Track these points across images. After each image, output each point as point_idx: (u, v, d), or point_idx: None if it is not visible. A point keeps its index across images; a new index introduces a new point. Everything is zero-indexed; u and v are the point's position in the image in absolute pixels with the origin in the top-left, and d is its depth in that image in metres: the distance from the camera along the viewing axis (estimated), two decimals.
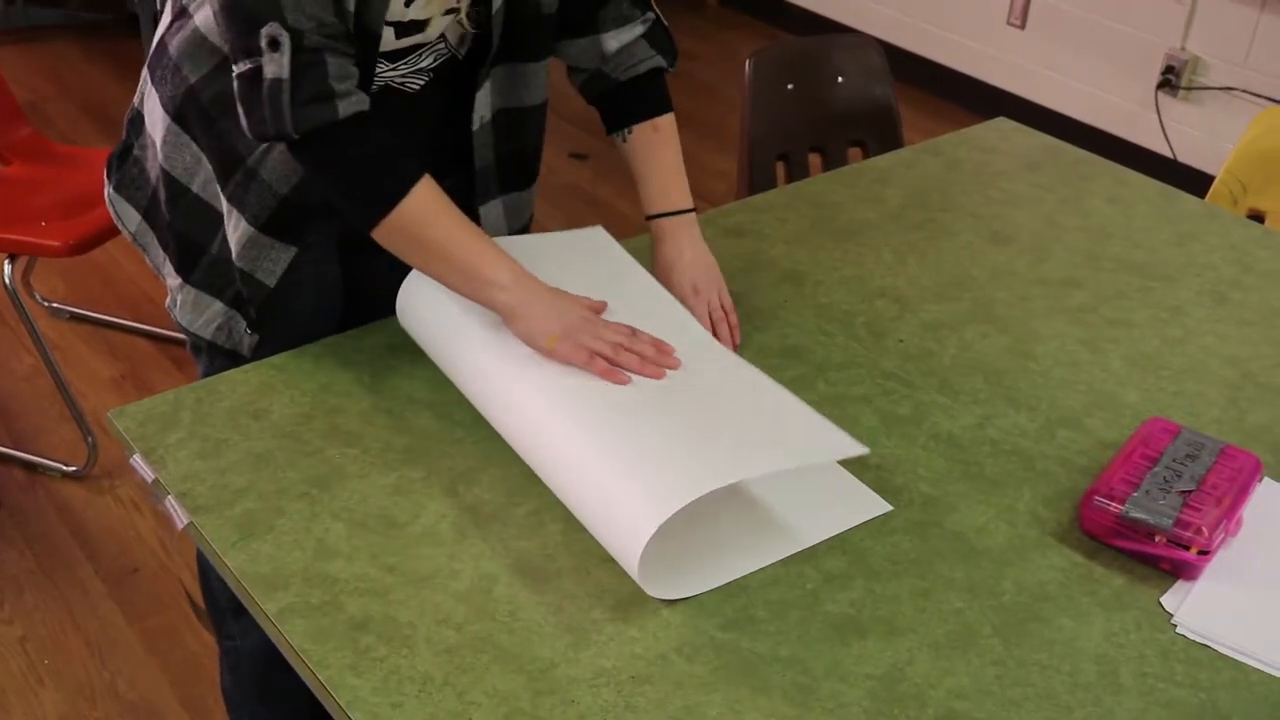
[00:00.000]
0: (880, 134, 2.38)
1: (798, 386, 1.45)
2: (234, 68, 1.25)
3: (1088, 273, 1.70)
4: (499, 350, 1.35)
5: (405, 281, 1.44)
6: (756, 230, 1.78)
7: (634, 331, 1.35)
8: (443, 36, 1.37)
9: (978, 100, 4.17)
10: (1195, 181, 3.52)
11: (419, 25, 1.32)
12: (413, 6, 1.30)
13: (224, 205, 1.40)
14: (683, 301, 1.47)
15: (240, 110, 1.27)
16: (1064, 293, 1.66)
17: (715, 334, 1.48)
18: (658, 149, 1.53)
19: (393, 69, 1.35)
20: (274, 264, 1.43)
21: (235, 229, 1.40)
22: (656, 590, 1.16)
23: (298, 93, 1.24)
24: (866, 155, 2.32)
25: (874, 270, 1.69)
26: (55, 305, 2.93)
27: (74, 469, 2.47)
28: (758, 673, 1.10)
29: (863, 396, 1.44)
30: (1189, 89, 3.63)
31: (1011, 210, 1.85)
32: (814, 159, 2.33)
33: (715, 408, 1.30)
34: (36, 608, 2.18)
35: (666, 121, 1.53)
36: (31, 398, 2.65)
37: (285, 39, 1.21)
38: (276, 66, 1.23)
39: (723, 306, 1.49)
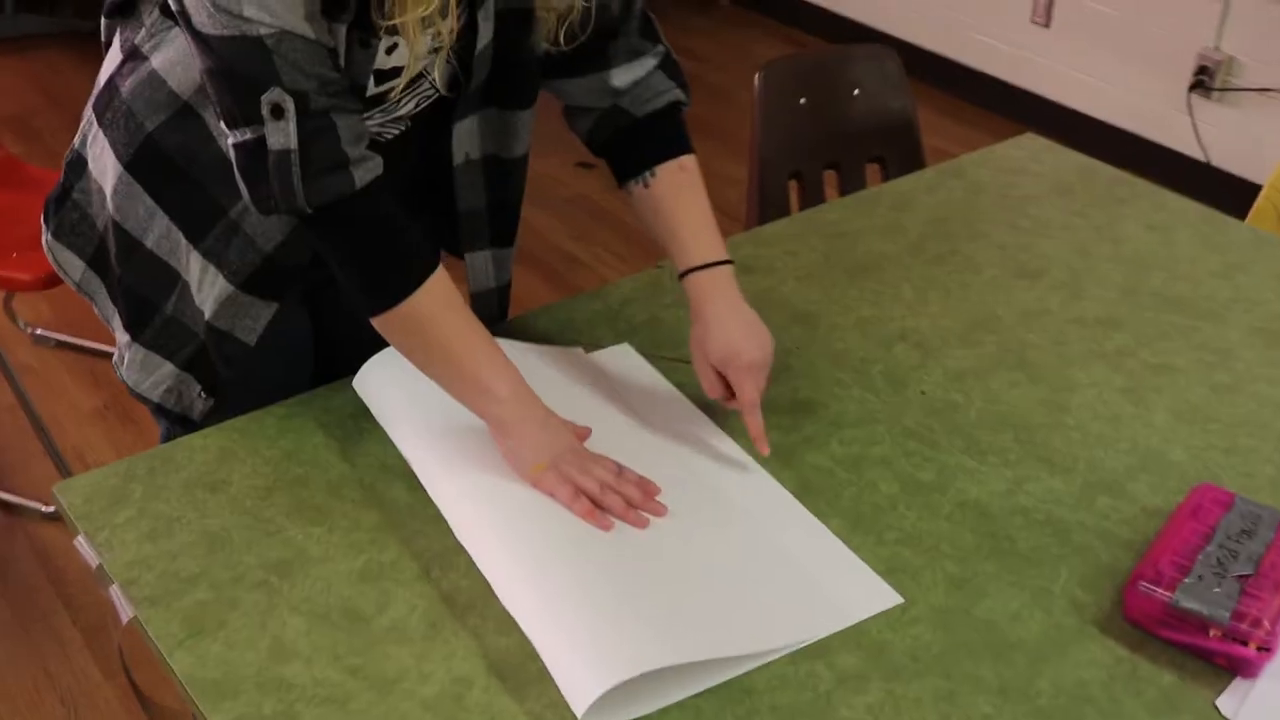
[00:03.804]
0: (899, 149, 2.24)
1: (810, 447, 1.32)
2: (229, 134, 1.12)
3: (1126, 311, 1.57)
4: (471, 462, 1.24)
5: (363, 369, 1.35)
6: (765, 265, 1.65)
7: (620, 470, 1.23)
8: (422, 75, 1.23)
9: (1000, 102, 4.03)
10: (1230, 187, 3.38)
11: (397, 71, 1.19)
12: (394, 54, 1.17)
13: (188, 263, 1.28)
14: (741, 373, 1.29)
15: (241, 182, 1.15)
16: (1101, 334, 1.52)
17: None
18: (686, 193, 1.35)
19: (367, 117, 1.22)
20: (255, 321, 1.31)
21: (212, 286, 1.28)
22: (637, 705, 1.03)
23: (309, 163, 1.11)
24: (885, 172, 2.19)
25: (893, 310, 1.56)
26: (39, 332, 2.82)
27: (53, 509, 2.36)
28: None
29: (881, 459, 1.31)
30: (1223, 90, 3.48)
31: (1041, 240, 1.72)
32: (829, 176, 2.20)
33: (699, 568, 1.16)
34: (9, 661, 2.07)
35: (692, 162, 1.37)
36: (12, 431, 2.53)
37: (289, 105, 1.09)
38: (283, 136, 1.10)
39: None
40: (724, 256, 1.34)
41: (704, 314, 1.32)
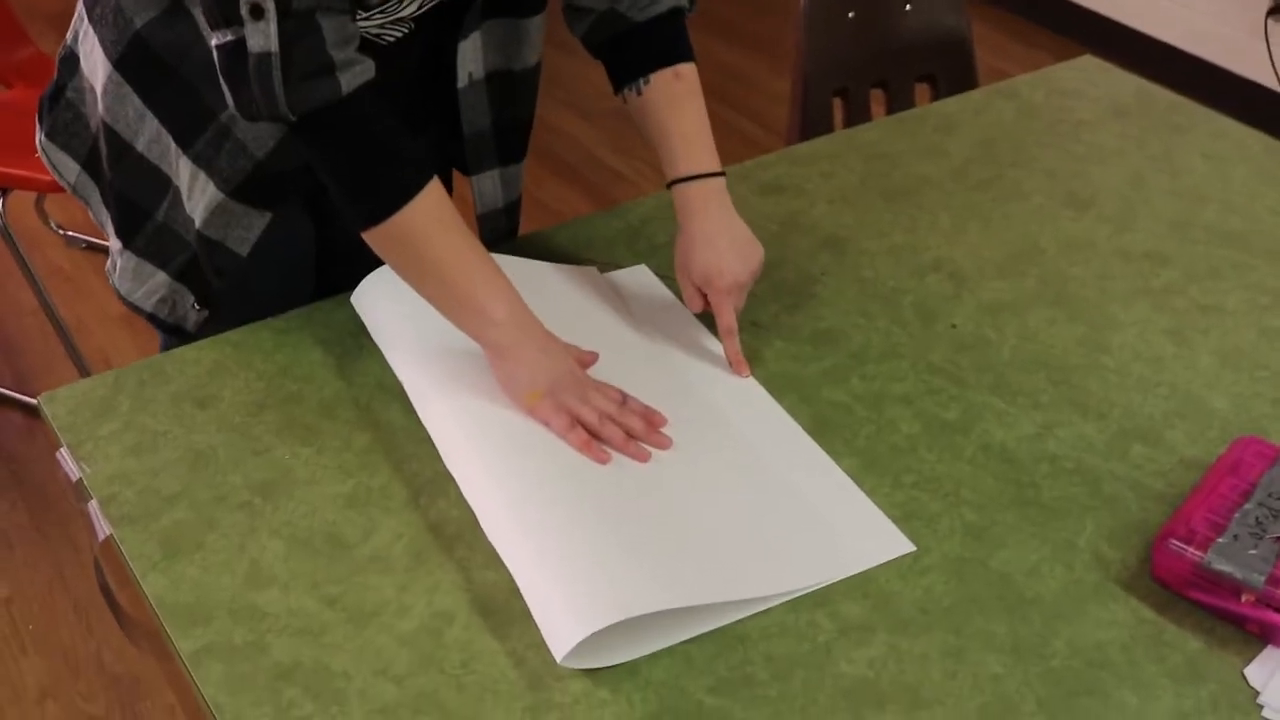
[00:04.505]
0: (952, 68, 2.14)
1: (828, 381, 1.25)
2: (211, 35, 1.06)
3: (1176, 245, 1.48)
4: (466, 387, 1.17)
5: (362, 284, 1.29)
6: (796, 186, 1.57)
7: (624, 399, 1.17)
8: None
9: (1064, 22, 3.87)
10: None
11: None
12: None
13: (178, 169, 1.22)
14: (722, 294, 1.24)
15: (224, 86, 1.08)
16: (1148, 269, 1.43)
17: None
18: (680, 101, 1.29)
19: (367, 18, 1.15)
20: (247, 231, 1.25)
21: (202, 194, 1.22)
22: (620, 651, 0.98)
23: (291, 68, 1.04)
24: (935, 91, 2.09)
25: (928, 238, 1.48)
26: (70, 234, 2.79)
27: None
28: None
29: (903, 396, 1.24)
30: None
31: (1093, 167, 1.62)
32: (876, 95, 2.10)
33: (698, 507, 1.10)
34: (26, 564, 2.06)
35: (690, 70, 1.30)
36: (38, 335, 2.51)
37: (269, 4, 1.02)
38: (262, 38, 1.03)
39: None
40: (716, 168, 1.28)
41: (690, 228, 1.27)
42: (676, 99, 1.29)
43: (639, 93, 1.29)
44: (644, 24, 1.29)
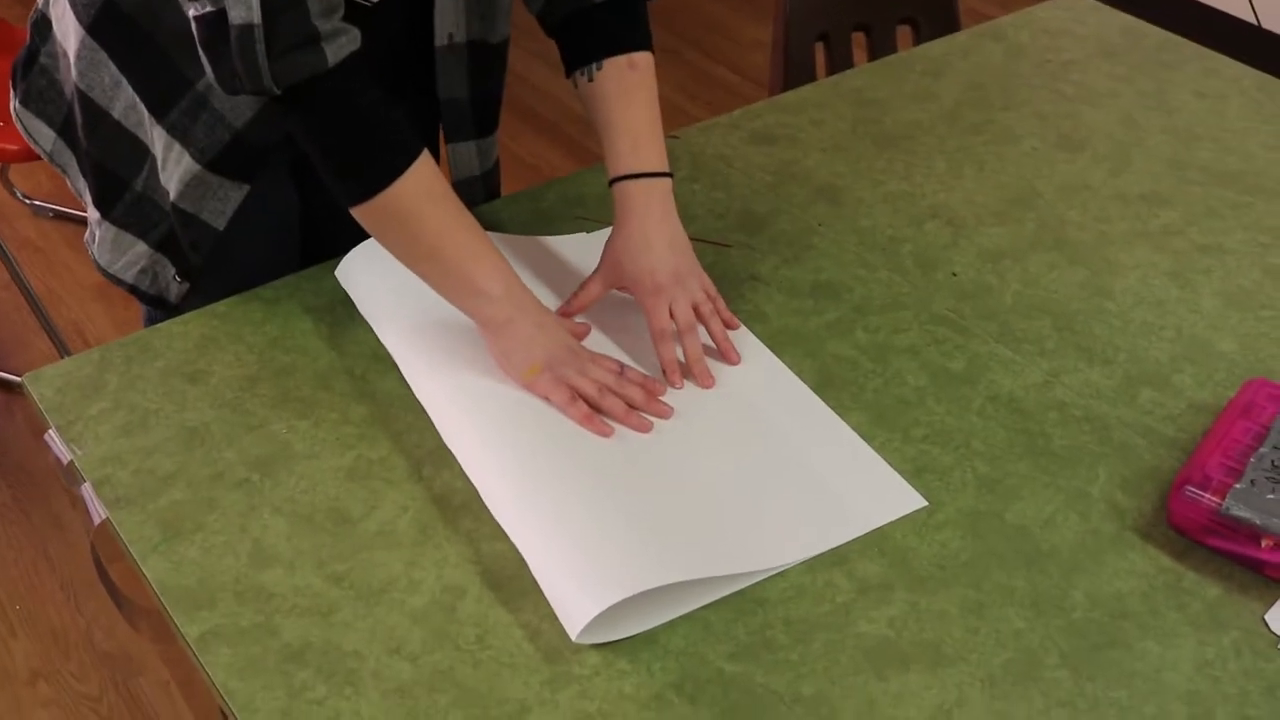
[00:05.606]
0: (933, 9, 2.10)
1: (832, 334, 1.23)
2: (189, 5, 1.02)
3: (1173, 186, 1.46)
4: (462, 364, 1.15)
5: (347, 259, 1.25)
6: (788, 135, 1.54)
7: (622, 369, 1.14)
8: None
9: None
10: None
11: None
12: None
13: (154, 138, 1.18)
14: (654, 295, 1.18)
15: (204, 59, 1.04)
16: (1146, 211, 1.42)
17: (709, 329, 1.20)
18: (631, 93, 1.21)
19: None
20: (223, 204, 1.22)
21: (177, 164, 1.19)
22: (636, 622, 0.96)
23: (274, 39, 1.01)
24: (918, 35, 2.05)
25: (924, 185, 1.45)
26: (38, 203, 2.72)
27: None
28: (775, 718, 0.91)
29: (909, 348, 1.22)
30: None
31: (1084, 108, 1.60)
32: (857, 39, 2.07)
33: (706, 475, 1.08)
34: (9, 544, 2.02)
35: (645, 60, 1.23)
36: (11, 308, 2.46)
37: None
38: (244, 9, 0.99)
39: (707, 294, 1.21)
40: (664, 168, 1.21)
41: (628, 227, 1.19)
42: (628, 90, 1.21)
43: (590, 78, 1.22)
44: (601, 5, 1.22)
